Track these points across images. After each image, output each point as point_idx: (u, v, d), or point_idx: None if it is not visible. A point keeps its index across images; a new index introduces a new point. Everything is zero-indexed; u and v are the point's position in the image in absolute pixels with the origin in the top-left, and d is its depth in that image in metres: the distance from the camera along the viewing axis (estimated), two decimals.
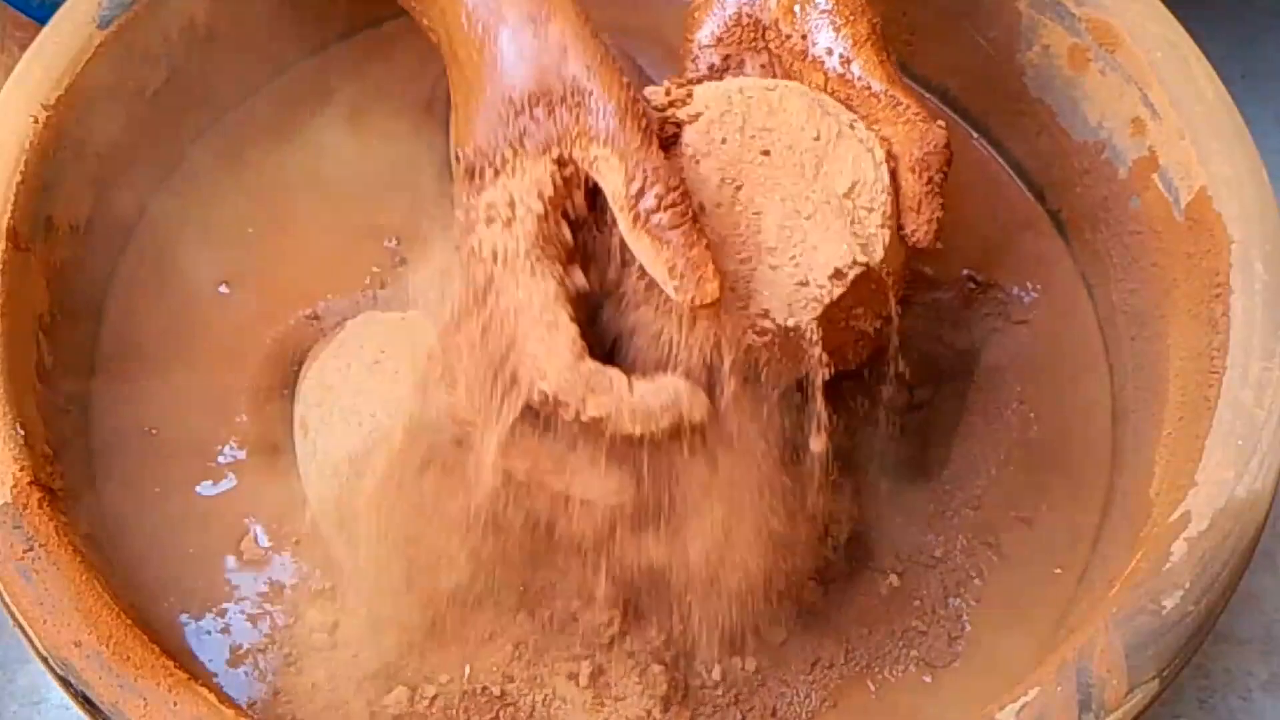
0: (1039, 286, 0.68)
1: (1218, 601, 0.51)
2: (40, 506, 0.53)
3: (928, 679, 0.58)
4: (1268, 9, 0.93)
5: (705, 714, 0.57)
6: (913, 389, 0.68)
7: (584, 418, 0.48)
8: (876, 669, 0.58)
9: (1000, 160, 0.72)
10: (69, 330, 0.61)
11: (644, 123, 0.50)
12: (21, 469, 0.53)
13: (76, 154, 0.62)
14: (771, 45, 0.58)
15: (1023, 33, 0.67)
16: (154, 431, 0.63)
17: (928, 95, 0.73)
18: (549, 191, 0.50)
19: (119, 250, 0.66)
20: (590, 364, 0.49)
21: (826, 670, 0.58)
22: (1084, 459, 0.64)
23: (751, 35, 0.58)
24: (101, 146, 0.63)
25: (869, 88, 0.56)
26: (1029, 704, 0.49)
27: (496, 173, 0.51)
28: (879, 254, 0.52)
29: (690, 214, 0.49)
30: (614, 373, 0.49)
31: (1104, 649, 0.49)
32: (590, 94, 0.50)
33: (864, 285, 0.52)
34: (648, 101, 0.52)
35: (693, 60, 0.59)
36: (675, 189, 0.49)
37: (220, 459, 0.62)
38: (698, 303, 0.48)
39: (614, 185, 0.49)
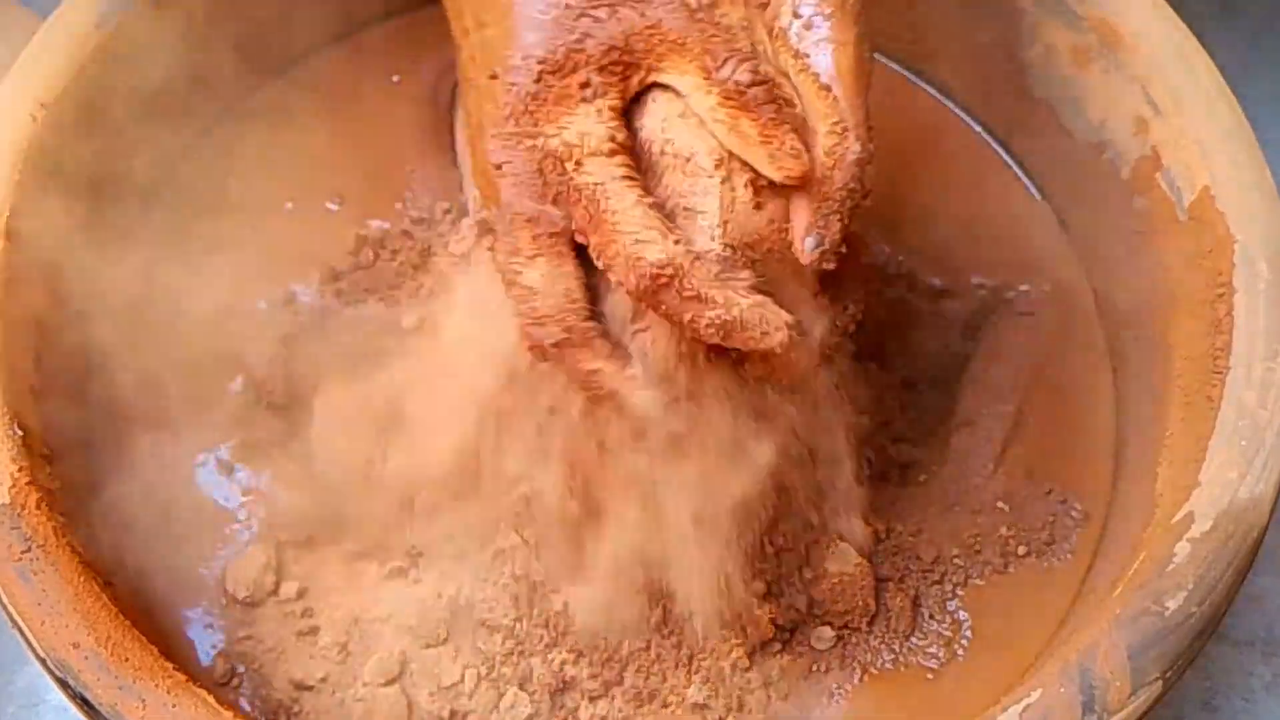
0: (1042, 286, 0.67)
1: (1221, 602, 0.51)
2: (39, 507, 0.53)
3: (929, 681, 0.58)
4: (1270, 8, 0.92)
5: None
6: (919, 391, 0.67)
7: (700, 294, 0.47)
8: (877, 672, 0.58)
9: (1003, 159, 0.72)
10: (68, 330, 0.61)
11: (715, 14, 0.49)
12: (20, 469, 0.53)
13: (75, 153, 0.62)
14: None
15: (1025, 31, 0.67)
16: (154, 431, 0.63)
17: (930, 93, 0.73)
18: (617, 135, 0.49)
19: (118, 250, 0.66)
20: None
21: (824, 675, 0.58)
22: (1086, 459, 0.64)
23: None
24: (100, 146, 0.63)
25: (809, 68, 0.50)
26: (1032, 705, 0.48)
27: (558, 99, 0.48)
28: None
29: (774, 90, 0.48)
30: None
31: (1107, 650, 0.49)
32: None
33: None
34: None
35: None
36: (760, 66, 0.48)
37: (220, 458, 0.62)
38: (796, 171, 0.48)
39: (691, 74, 0.48)
